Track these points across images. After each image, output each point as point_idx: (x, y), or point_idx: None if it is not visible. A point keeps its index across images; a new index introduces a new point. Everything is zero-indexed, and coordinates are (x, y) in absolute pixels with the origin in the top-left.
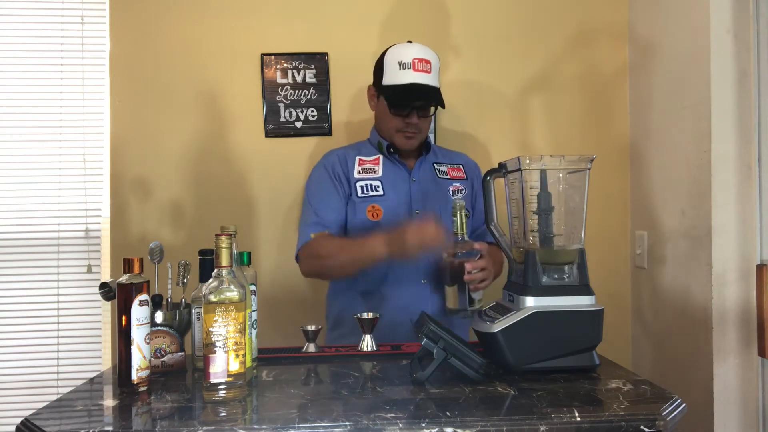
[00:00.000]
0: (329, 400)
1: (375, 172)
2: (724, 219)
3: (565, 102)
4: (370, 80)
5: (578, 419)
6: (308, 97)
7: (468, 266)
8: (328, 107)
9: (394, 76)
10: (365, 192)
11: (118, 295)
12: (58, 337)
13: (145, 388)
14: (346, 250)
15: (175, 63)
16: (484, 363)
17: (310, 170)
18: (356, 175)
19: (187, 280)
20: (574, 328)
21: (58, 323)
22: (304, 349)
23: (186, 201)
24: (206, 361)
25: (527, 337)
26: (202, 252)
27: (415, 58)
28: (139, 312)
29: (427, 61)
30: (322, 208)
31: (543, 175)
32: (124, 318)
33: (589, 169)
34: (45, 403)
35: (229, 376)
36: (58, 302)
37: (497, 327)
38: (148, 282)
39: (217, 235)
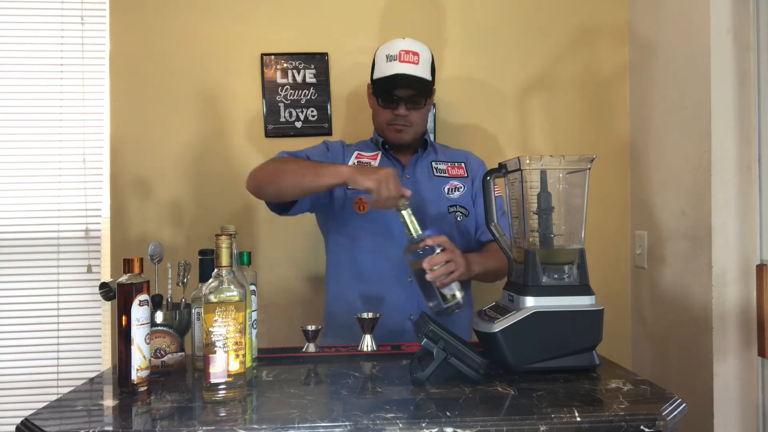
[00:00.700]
0: (329, 400)
1: (375, 160)
2: (724, 219)
3: (565, 102)
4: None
5: (578, 419)
6: (308, 97)
7: (425, 264)
8: (328, 107)
9: (381, 69)
10: None
11: (118, 295)
12: (58, 337)
13: (145, 388)
14: (297, 162)
15: (175, 63)
16: (484, 363)
17: None
18: (354, 160)
19: (187, 280)
20: (574, 328)
21: (58, 323)
22: (304, 349)
23: (186, 201)
24: (206, 361)
25: (527, 337)
26: (202, 252)
27: (401, 50)
28: (139, 312)
29: (415, 53)
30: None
31: (543, 175)
32: (124, 318)
33: (589, 169)
34: (45, 403)
35: (229, 376)
36: (58, 302)
37: (497, 327)
38: (148, 282)
39: (217, 235)
